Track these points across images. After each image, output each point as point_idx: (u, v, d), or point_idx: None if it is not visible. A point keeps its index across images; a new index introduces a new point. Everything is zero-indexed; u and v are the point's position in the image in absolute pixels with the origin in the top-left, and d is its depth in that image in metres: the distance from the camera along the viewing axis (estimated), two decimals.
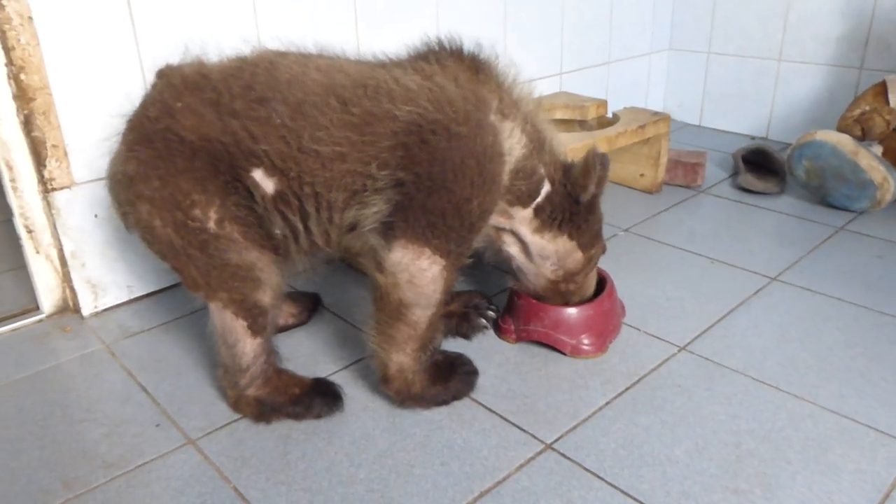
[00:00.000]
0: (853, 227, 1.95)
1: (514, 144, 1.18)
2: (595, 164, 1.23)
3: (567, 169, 1.28)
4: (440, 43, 1.20)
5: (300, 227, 1.17)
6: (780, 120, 2.68)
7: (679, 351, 1.41)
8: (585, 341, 1.38)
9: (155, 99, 1.14)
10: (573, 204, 1.28)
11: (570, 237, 1.30)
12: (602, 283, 1.46)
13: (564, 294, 1.38)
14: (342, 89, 1.12)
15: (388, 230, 1.13)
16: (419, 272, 1.13)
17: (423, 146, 1.09)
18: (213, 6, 1.56)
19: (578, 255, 1.33)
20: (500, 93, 1.18)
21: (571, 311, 1.38)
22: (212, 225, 1.12)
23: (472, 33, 1.26)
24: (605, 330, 1.41)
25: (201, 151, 1.10)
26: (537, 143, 1.23)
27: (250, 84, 1.12)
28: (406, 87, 1.12)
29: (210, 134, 1.10)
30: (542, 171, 1.24)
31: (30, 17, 1.35)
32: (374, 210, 1.13)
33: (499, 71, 1.21)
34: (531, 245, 1.31)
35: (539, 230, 1.29)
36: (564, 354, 1.39)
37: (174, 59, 1.21)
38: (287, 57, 1.18)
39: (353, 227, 1.17)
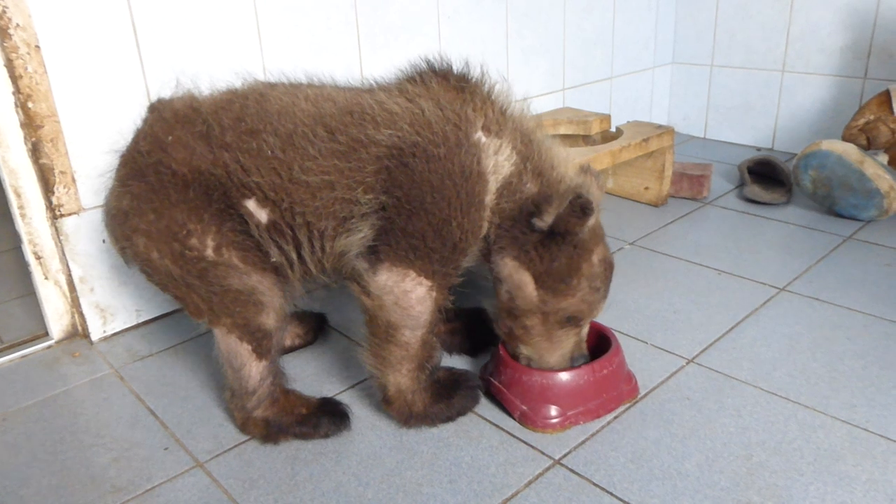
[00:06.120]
0: (861, 236, 1.94)
1: (501, 161, 1.15)
2: (562, 199, 1.10)
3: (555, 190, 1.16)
4: (428, 63, 1.20)
5: (294, 256, 1.17)
6: (786, 131, 2.68)
7: (687, 363, 1.40)
8: (551, 412, 1.21)
9: (146, 133, 1.15)
10: (524, 225, 1.16)
11: (522, 265, 1.17)
12: (603, 349, 1.28)
13: (516, 335, 1.24)
14: (330, 118, 1.12)
15: (373, 254, 1.13)
16: (403, 294, 1.13)
17: (403, 169, 1.09)
18: (218, 33, 1.58)
19: (530, 292, 1.17)
20: (485, 110, 1.16)
21: (535, 375, 1.22)
22: (210, 252, 1.12)
23: (474, 52, 1.25)
24: (573, 407, 1.22)
25: (194, 183, 1.11)
26: (528, 160, 1.18)
27: (241, 116, 1.12)
28: (389, 111, 1.12)
29: (202, 166, 1.11)
30: (529, 187, 1.18)
31: (37, 46, 1.37)
32: (360, 236, 1.13)
33: (486, 88, 1.19)
34: (493, 263, 1.22)
35: (499, 247, 1.20)
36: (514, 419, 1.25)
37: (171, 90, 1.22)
38: (276, 88, 1.19)
39: (343, 255, 1.17)
